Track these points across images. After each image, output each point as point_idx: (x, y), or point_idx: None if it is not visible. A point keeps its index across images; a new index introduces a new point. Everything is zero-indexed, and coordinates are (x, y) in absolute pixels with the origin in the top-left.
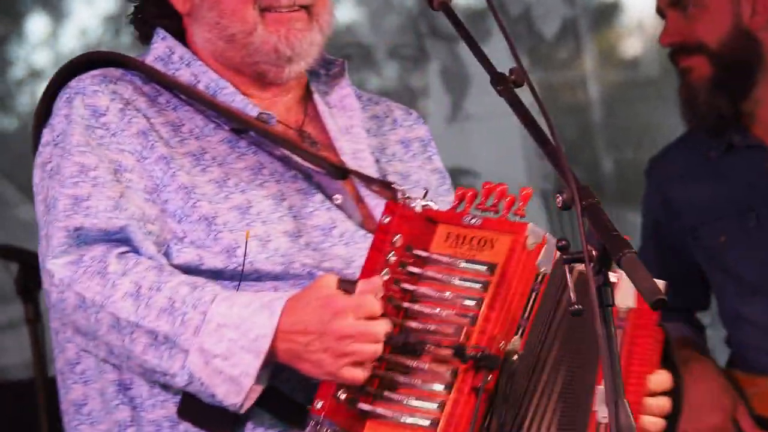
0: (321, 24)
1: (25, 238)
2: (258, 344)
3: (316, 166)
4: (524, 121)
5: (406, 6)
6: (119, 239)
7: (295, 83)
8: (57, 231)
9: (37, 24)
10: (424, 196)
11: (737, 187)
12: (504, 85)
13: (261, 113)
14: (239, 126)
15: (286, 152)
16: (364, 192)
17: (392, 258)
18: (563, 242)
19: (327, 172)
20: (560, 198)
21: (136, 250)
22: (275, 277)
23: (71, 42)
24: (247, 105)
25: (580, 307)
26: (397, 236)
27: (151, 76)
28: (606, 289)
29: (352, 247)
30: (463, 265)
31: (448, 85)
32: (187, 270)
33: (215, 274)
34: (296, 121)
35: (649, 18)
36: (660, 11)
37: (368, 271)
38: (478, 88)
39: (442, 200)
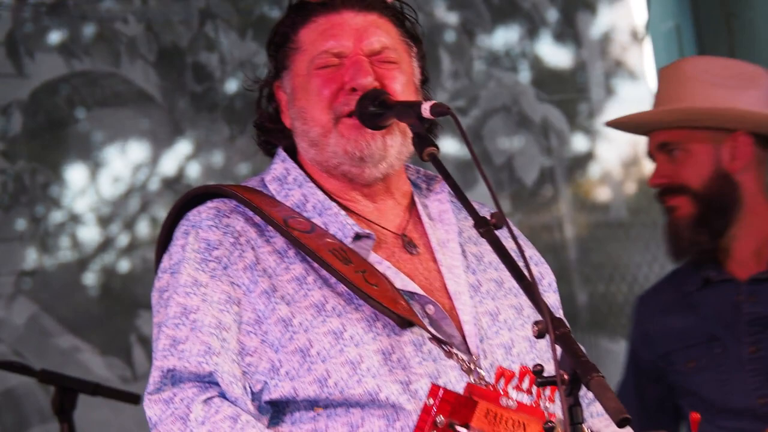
0: (401, 127)
1: (62, 364)
2: None
3: (384, 315)
4: (504, 260)
5: None
6: (209, 381)
7: (396, 192)
8: (154, 369)
9: (76, 173)
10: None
11: (707, 318)
12: (485, 227)
13: (358, 233)
14: (319, 264)
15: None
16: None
17: None
18: (538, 367)
19: (394, 321)
20: (536, 328)
21: (223, 393)
22: (363, 406)
23: (106, 188)
24: (345, 226)
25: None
26: (440, 417)
27: (255, 212)
28: (577, 408)
29: (439, 363)
30: None
31: None
32: (285, 403)
33: (311, 404)
34: (400, 227)
35: (616, 168)
36: (650, 155)
37: None
38: None
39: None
